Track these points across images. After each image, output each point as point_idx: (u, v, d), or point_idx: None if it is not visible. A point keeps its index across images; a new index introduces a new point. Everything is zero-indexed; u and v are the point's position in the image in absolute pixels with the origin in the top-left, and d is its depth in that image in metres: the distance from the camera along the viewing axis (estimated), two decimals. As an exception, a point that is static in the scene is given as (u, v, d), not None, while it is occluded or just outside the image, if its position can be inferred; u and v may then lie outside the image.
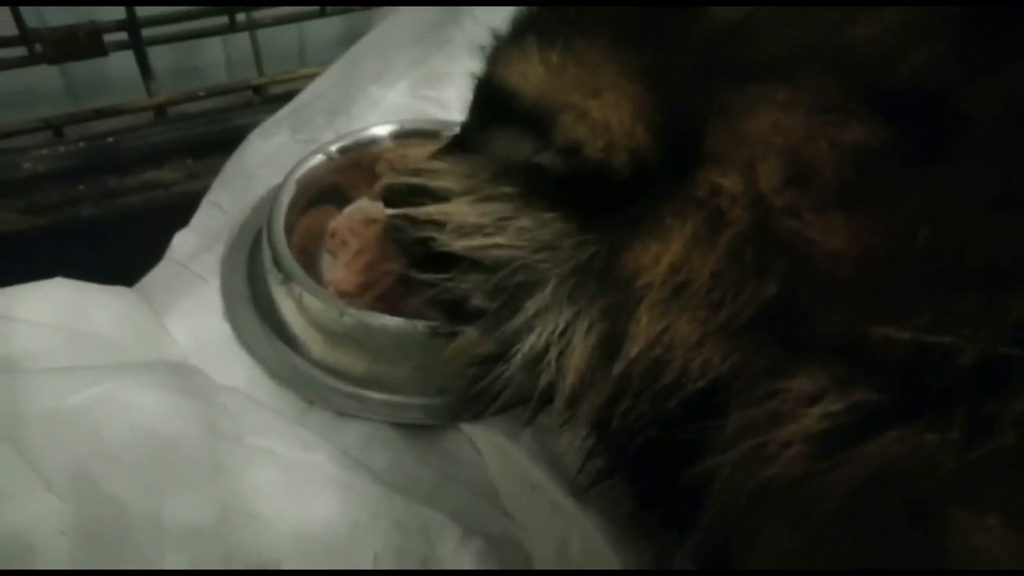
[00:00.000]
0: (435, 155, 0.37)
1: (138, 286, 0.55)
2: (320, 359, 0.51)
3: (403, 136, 0.61)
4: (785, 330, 0.26)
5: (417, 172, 0.36)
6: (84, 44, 0.58)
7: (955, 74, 0.27)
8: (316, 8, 0.69)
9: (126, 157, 0.65)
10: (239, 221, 0.60)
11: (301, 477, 0.40)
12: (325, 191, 0.60)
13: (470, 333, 0.35)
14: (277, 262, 0.52)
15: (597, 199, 0.30)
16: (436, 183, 0.34)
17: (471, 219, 0.32)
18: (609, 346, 0.29)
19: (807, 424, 0.25)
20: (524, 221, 0.31)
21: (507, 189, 0.32)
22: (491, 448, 0.47)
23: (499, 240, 0.31)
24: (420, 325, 0.47)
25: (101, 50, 0.60)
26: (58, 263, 0.53)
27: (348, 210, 0.61)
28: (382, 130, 0.61)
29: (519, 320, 0.31)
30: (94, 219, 0.63)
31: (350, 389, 0.50)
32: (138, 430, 0.39)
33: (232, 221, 0.60)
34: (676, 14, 0.29)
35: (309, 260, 0.57)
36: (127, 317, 0.49)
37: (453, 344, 0.37)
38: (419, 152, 0.61)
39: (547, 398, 0.32)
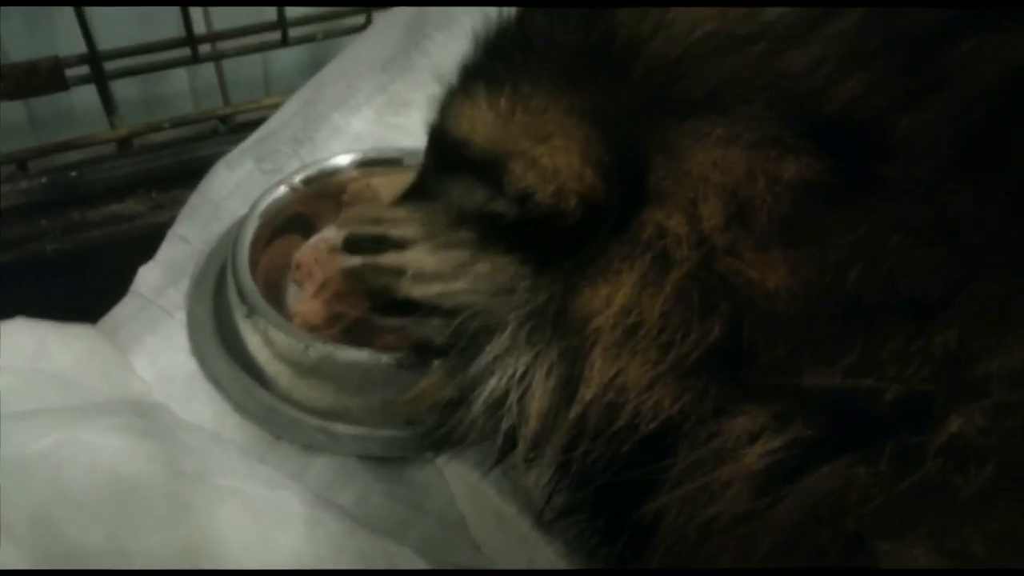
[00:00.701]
0: (394, 202, 0.37)
1: (103, 322, 0.55)
2: (287, 392, 0.51)
3: (366, 165, 0.62)
4: (730, 370, 0.26)
5: (377, 221, 0.36)
6: (45, 79, 0.58)
7: (885, 104, 0.28)
8: (279, 37, 0.69)
9: (90, 190, 0.65)
10: (205, 252, 0.60)
11: (266, 516, 0.40)
12: (290, 221, 0.60)
13: (433, 376, 0.36)
14: (242, 296, 0.52)
15: (550, 242, 0.30)
16: (395, 231, 0.35)
17: (430, 266, 0.33)
18: (567, 389, 0.29)
19: (748, 463, 0.25)
20: (481, 266, 0.31)
21: (464, 235, 0.32)
22: (459, 480, 0.47)
23: (458, 286, 0.32)
24: (386, 358, 0.47)
25: (63, 84, 0.59)
26: (23, 299, 0.53)
27: (313, 240, 0.61)
28: (344, 160, 0.61)
29: (480, 364, 0.32)
30: (58, 254, 0.63)
31: (317, 422, 0.50)
32: (99, 473, 0.39)
33: (198, 253, 0.60)
34: (617, 51, 0.30)
35: (275, 292, 0.57)
36: (90, 356, 0.48)
37: (417, 387, 0.37)
38: (383, 182, 0.62)
39: (511, 441, 0.32)
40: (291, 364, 0.51)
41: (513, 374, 0.30)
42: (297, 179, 0.60)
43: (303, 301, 0.57)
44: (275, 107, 0.69)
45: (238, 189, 0.64)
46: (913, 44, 0.28)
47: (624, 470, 0.29)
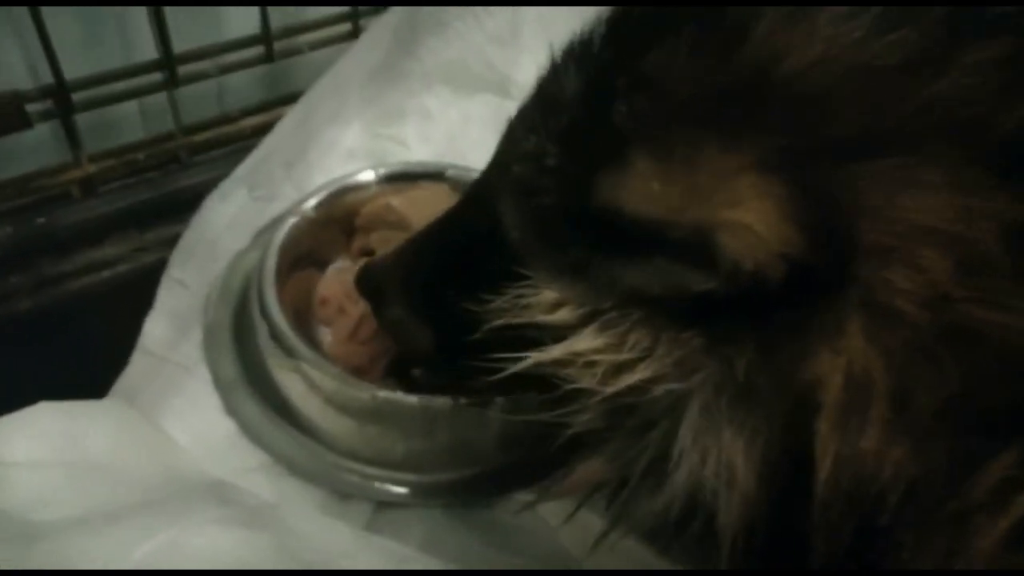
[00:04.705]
0: (524, 285, 0.32)
1: (117, 388, 0.49)
2: (347, 445, 0.47)
3: (384, 182, 0.57)
4: (972, 422, 0.25)
5: (520, 309, 0.32)
6: (7, 116, 0.50)
7: None
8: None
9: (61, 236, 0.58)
10: (211, 298, 0.55)
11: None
12: (305, 255, 0.56)
13: (591, 463, 0.33)
14: (278, 340, 0.48)
15: (741, 311, 0.27)
16: (550, 318, 0.31)
17: (608, 355, 0.29)
18: (784, 467, 0.27)
19: (998, 520, 0.24)
20: (663, 347, 0.28)
21: (636, 314, 0.29)
22: (558, 510, 0.44)
23: (645, 373, 0.29)
24: (445, 400, 0.44)
25: (27, 122, 0.52)
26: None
27: (331, 272, 0.56)
28: (367, 176, 0.57)
29: (677, 446, 0.29)
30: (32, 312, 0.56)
31: (387, 474, 0.47)
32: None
33: (202, 299, 0.55)
34: (762, 93, 0.27)
35: (305, 333, 0.52)
36: (122, 435, 0.43)
37: (573, 476, 0.34)
38: (404, 201, 0.58)
39: (709, 524, 0.29)
40: (345, 412, 0.47)
41: (716, 455, 0.28)
42: (308, 205, 0.55)
43: (340, 342, 0.52)
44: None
45: (234, 222, 0.58)
46: None
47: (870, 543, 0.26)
